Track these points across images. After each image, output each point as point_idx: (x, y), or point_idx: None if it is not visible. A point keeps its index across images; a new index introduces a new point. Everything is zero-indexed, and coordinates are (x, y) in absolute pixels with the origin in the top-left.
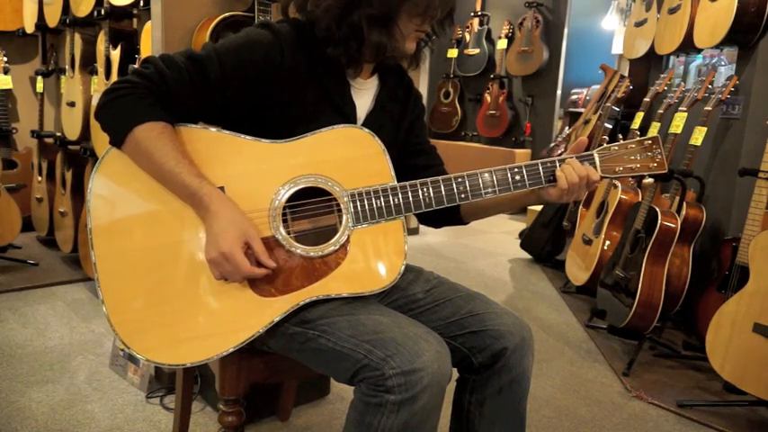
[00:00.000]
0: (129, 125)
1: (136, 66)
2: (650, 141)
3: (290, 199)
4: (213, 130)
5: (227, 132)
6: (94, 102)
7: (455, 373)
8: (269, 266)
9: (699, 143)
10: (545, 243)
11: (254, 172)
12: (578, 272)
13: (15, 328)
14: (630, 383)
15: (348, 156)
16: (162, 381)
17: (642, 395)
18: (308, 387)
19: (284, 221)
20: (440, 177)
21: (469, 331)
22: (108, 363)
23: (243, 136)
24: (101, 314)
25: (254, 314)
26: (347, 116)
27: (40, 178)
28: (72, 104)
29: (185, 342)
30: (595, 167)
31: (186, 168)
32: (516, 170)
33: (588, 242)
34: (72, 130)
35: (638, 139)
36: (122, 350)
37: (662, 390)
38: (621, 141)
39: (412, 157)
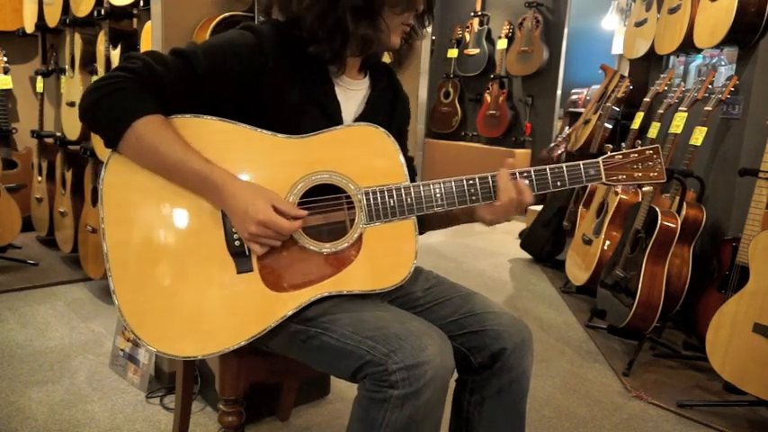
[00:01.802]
0: (128, 120)
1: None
2: (651, 151)
3: (305, 195)
4: (230, 122)
5: (243, 125)
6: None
7: (455, 374)
8: (302, 216)
9: (699, 143)
10: (545, 243)
11: (270, 166)
12: (578, 272)
13: (15, 328)
14: (630, 383)
15: (363, 154)
16: (162, 381)
17: (642, 395)
18: (307, 387)
19: None
20: (452, 179)
21: (469, 331)
22: (108, 363)
23: (259, 130)
24: (101, 314)
25: (266, 309)
26: (331, 115)
27: (40, 178)
28: (72, 104)
29: (197, 334)
30: (600, 174)
31: (195, 156)
32: (525, 174)
33: (588, 242)
34: (72, 130)
35: (640, 148)
36: (122, 350)
37: (662, 390)
38: (624, 150)
39: None
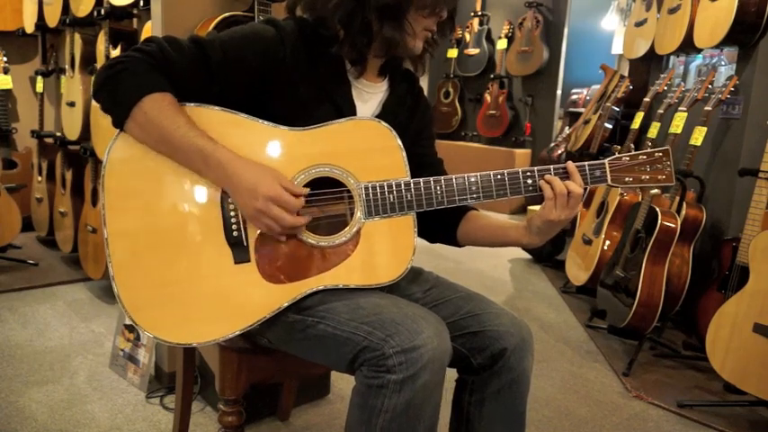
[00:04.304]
0: (137, 96)
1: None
2: (660, 154)
3: (305, 187)
4: (231, 112)
5: (245, 116)
6: (95, 102)
7: (454, 374)
8: (304, 194)
9: (699, 143)
10: (545, 243)
11: (270, 158)
12: (578, 272)
13: (15, 328)
14: (630, 383)
15: (364, 148)
16: (162, 381)
17: (642, 395)
18: (307, 387)
19: None
20: (452, 176)
21: (469, 332)
22: (108, 363)
23: (261, 121)
24: (101, 314)
25: (263, 299)
26: (345, 116)
27: (39, 178)
28: (72, 104)
29: (193, 322)
30: (605, 176)
31: (199, 133)
32: (528, 174)
33: (588, 242)
34: (72, 130)
35: (648, 150)
36: (122, 350)
37: (662, 390)
38: (633, 152)
39: (417, 169)
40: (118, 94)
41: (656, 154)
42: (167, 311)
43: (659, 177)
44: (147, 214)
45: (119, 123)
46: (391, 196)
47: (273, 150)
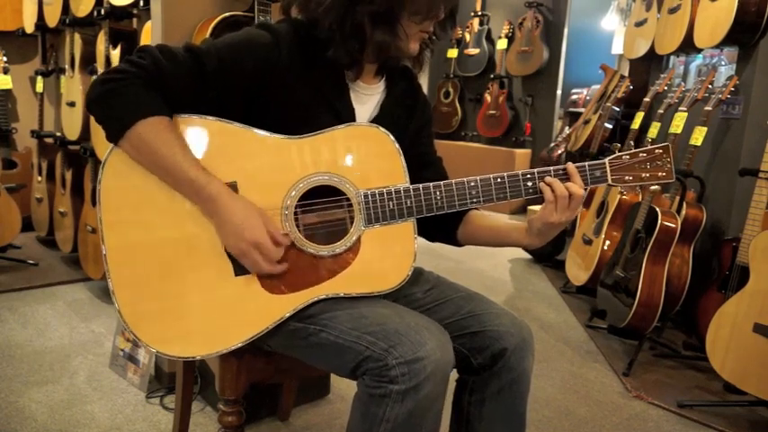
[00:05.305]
0: (132, 119)
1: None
2: (660, 150)
3: (303, 196)
4: (227, 122)
5: (240, 125)
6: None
7: (455, 374)
8: (284, 244)
9: (699, 143)
10: (545, 243)
11: (268, 168)
12: (578, 272)
13: (15, 328)
14: (630, 383)
15: (363, 154)
16: (162, 381)
17: (642, 395)
18: (307, 387)
19: (295, 218)
20: (452, 180)
21: (469, 332)
22: (108, 363)
23: (257, 130)
24: (101, 314)
25: (264, 311)
26: (344, 120)
27: (39, 178)
28: (72, 104)
29: (195, 335)
30: (606, 176)
31: (193, 164)
32: (528, 176)
33: (588, 242)
34: (72, 130)
35: (648, 147)
36: (122, 350)
37: (662, 390)
38: (633, 150)
39: (418, 169)
40: (112, 111)
41: (656, 151)
42: (169, 326)
43: (659, 174)
44: (146, 229)
45: (112, 140)
46: (391, 203)
47: (271, 160)
